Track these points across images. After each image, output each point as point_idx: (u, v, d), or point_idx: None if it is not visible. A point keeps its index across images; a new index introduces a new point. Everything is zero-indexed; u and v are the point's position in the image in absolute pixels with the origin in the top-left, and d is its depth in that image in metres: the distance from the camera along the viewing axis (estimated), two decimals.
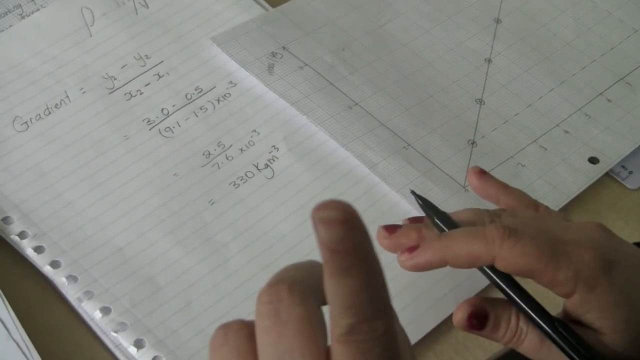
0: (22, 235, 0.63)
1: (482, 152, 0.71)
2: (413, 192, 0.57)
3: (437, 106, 0.73)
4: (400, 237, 0.54)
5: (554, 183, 0.69)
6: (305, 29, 0.77)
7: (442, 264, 0.52)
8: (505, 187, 0.59)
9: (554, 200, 0.68)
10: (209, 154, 0.69)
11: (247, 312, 0.61)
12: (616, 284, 0.51)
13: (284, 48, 0.75)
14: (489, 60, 0.77)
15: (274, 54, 0.74)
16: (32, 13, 0.76)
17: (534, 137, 0.72)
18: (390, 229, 0.55)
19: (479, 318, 0.52)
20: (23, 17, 0.75)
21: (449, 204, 0.66)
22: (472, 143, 0.71)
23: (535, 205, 0.57)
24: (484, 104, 0.74)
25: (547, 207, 0.57)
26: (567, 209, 0.69)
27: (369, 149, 0.69)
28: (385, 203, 0.67)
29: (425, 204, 0.55)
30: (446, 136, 0.71)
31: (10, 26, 0.75)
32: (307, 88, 0.72)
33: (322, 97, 0.72)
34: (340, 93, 0.72)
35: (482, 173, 0.59)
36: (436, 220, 0.54)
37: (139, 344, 0.59)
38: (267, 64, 0.73)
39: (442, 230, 0.54)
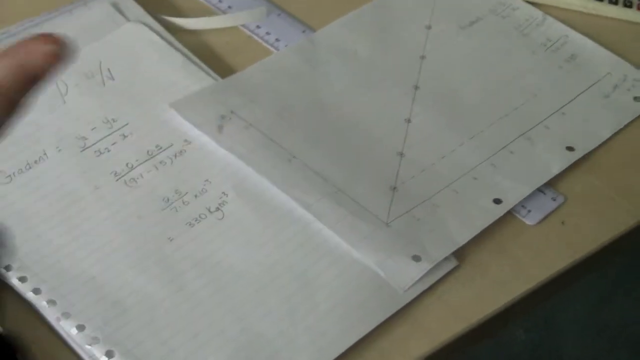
0: (7, 268, 0.74)
1: (402, 195, 0.82)
2: None
3: (364, 158, 0.85)
4: None
5: (464, 220, 0.81)
6: (250, 96, 0.89)
7: None
8: None
9: (463, 235, 0.80)
10: (168, 199, 0.80)
11: (203, 326, 0.72)
12: None
13: (231, 112, 0.87)
14: (409, 120, 0.89)
15: (222, 117, 0.86)
16: None
17: (447, 183, 0.84)
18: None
19: None
20: None
21: (373, 238, 0.78)
22: (394, 188, 0.83)
23: None
24: (404, 156, 0.86)
25: None
26: (475, 241, 0.80)
27: (305, 193, 0.81)
28: (320, 237, 0.79)
29: None
30: (371, 182, 0.83)
31: None
32: (252, 144, 0.84)
33: (265, 151, 0.84)
34: (280, 148, 0.84)
35: None
36: None
37: (110, 354, 0.69)
38: (217, 125, 0.85)
39: None
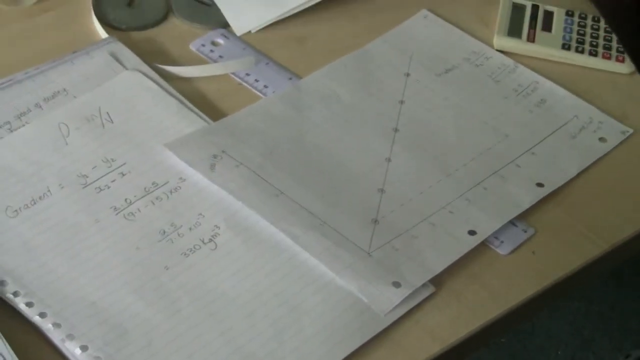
0: (15, 294, 0.80)
1: (382, 227, 0.88)
2: None
3: (347, 194, 0.91)
4: None
5: (440, 250, 0.87)
6: (240, 137, 0.95)
7: None
8: None
9: (439, 263, 0.86)
10: (164, 232, 0.86)
11: (197, 348, 0.77)
12: None
13: (223, 151, 0.93)
14: (389, 159, 0.95)
15: (215, 156, 0.92)
16: (19, 128, 0.94)
17: (425, 216, 0.90)
18: None
19: None
20: (11, 131, 0.93)
21: (355, 266, 0.84)
22: (375, 221, 0.89)
23: None
24: (384, 192, 0.92)
25: None
26: (451, 269, 0.86)
27: (292, 225, 0.87)
28: (305, 266, 0.84)
29: None
30: (354, 216, 0.89)
31: (1, 138, 0.92)
32: (242, 181, 0.90)
33: (254, 188, 0.90)
34: (268, 185, 0.90)
35: None
36: None
37: None
38: (209, 164, 0.91)
39: None
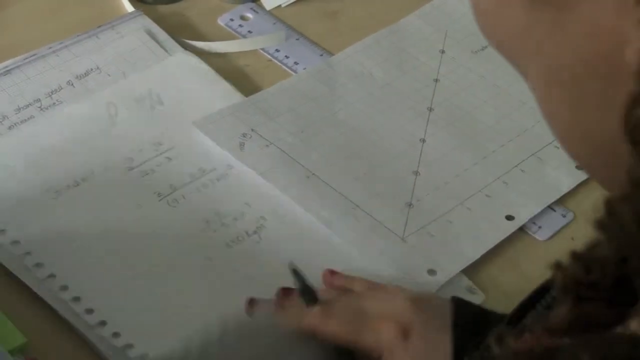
0: (51, 276, 0.78)
1: (417, 212, 0.85)
2: (292, 267, 0.73)
3: (380, 175, 0.88)
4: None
5: (477, 236, 0.84)
6: (270, 115, 0.92)
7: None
8: (351, 278, 0.76)
9: (476, 250, 0.83)
10: (208, 221, 0.84)
11: None
12: (410, 349, 0.67)
13: (252, 130, 0.90)
14: (424, 140, 0.92)
15: (244, 135, 0.90)
16: (50, 106, 0.91)
17: (460, 200, 0.87)
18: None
19: None
20: (42, 109, 0.91)
21: (389, 253, 0.81)
22: (410, 205, 0.86)
23: (374, 285, 0.75)
24: (419, 174, 0.89)
25: (387, 285, 0.75)
26: (488, 257, 0.83)
27: (324, 209, 0.84)
28: (339, 252, 0.82)
29: (297, 279, 0.72)
30: (388, 199, 0.86)
31: (32, 117, 0.90)
32: (272, 162, 0.88)
33: (284, 169, 0.87)
34: (299, 165, 0.88)
35: (333, 272, 0.76)
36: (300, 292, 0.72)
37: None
38: (238, 143, 0.89)
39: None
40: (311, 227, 0.84)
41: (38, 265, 0.78)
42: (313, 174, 0.87)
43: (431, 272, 0.80)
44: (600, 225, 0.39)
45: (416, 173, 0.89)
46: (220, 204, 0.85)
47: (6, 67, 0.94)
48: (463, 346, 0.66)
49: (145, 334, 0.75)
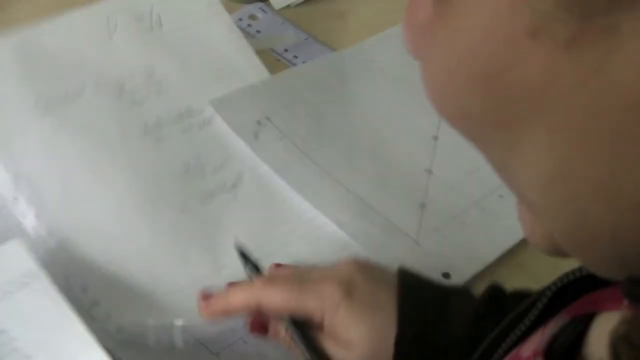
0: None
1: (431, 212, 0.81)
2: (237, 247, 0.69)
3: (394, 175, 0.85)
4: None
5: (492, 238, 0.80)
6: (283, 102, 0.88)
7: (229, 309, 0.67)
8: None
9: (491, 252, 0.80)
10: (189, 165, 0.80)
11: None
12: (354, 307, 0.64)
13: (267, 118, 0.86)
14: (436, 137, 0.90)
15: (258, 122, 0.85)
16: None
17: (474, 201, 0.85)
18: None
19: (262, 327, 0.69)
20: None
21: (403, 255, 0.77)
22: (423, 205, 0.84)
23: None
24: (432, 173, 0.87)
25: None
26: (501, 260, 0.80)
27: (340, 212, 0.80)
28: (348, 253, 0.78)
29: (242, 256, 0.69)
30: (401, 199, 0.82)
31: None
32: (286, 157, 0.84)
33: (298, 166, 0.83)
34: (313, 163, 0.84)
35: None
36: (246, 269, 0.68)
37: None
38: (252, 131, 0.84)
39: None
40: (285, 195, 0.81)
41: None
42: (327, 173, 0.85)
43: (445, 275, 0.77)
44: None
45: (429, 172, 0.87)
46: (203, 150, 0.82)
47: None
48: (408, 312, 0.64)
49: (112, 293, 0.71)
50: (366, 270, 0.67)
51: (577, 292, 0.48)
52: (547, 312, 0.48)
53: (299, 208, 0.79)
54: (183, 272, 0.73)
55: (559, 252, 0.38)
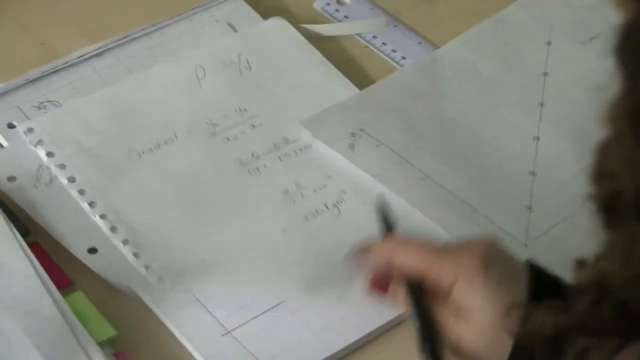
0: (125, 242, 0.76)
1: (538, 215, 0.81)
2: (379, 202, 0.72)
3: (496, 177, 0.84)
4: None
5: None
6: (377, 113, 0.88)
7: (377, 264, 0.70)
8: None
9: None
10: (287, 191, 0.82)
11: None
12: (489, 280, 0.64)
13: (361, 129, 0.86)
14: (537, 138, 0.87)
15: (353, 134, 0.85)
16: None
17: (583, 202, 0.82)
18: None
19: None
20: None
21: None
22: (529, 208, 0.82)
23: None
24: (536, 175, 0.84)
25: None
26: None
27: (444, 214, 0.80)
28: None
29: (382, 215, 0.71)
30: (506, 202, 0.81)
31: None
32: (384, 163, 0.84)
33: (398, 171, 0.83)
34: (413, 167, 0.83)
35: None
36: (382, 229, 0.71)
37: None
38: (347, 143, 0.84)
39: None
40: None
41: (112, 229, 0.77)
42: (428, 176, 0.83)
43: None
44: None
45: (533, 173, 0.85)
46: (302, 175, 0.83)
47: (99, 47, 0.91)
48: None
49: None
50: (500, 249, 0.67)
51: None
52: None
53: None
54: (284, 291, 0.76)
55: None
